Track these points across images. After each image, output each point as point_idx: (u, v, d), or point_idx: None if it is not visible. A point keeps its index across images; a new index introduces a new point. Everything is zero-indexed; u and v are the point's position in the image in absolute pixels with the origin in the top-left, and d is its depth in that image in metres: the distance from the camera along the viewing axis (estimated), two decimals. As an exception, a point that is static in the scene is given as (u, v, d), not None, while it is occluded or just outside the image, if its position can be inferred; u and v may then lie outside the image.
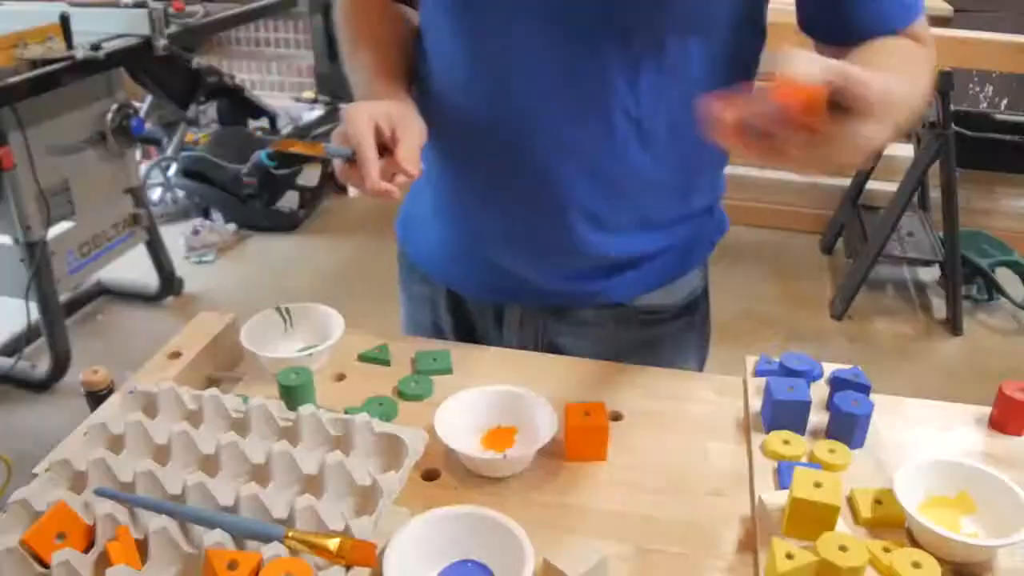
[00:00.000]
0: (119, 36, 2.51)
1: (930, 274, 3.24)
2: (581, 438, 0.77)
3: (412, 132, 0.80)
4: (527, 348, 1.00)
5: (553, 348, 1.00)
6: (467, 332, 1.05)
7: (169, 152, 3.62)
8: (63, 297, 2.60)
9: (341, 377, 0.90)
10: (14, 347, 2.54)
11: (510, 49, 0.82)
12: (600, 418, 0.77)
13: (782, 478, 0.74)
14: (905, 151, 3.20)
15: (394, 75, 0.90)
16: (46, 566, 0.61)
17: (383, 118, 0.79)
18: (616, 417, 0.84)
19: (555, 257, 0.93)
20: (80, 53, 2.28)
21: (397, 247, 1.10)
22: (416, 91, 0.93)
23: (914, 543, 0.67)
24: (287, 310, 0.94)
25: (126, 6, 2.63)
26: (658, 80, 0.82)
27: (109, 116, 2.59)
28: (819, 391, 0.85)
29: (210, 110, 4.03)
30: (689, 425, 0.84)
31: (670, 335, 1.02)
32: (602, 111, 0.83)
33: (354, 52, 0.94)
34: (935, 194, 3.03)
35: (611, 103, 0.82)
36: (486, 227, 0.95)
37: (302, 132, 3.57)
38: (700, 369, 1.07)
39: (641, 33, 0.79)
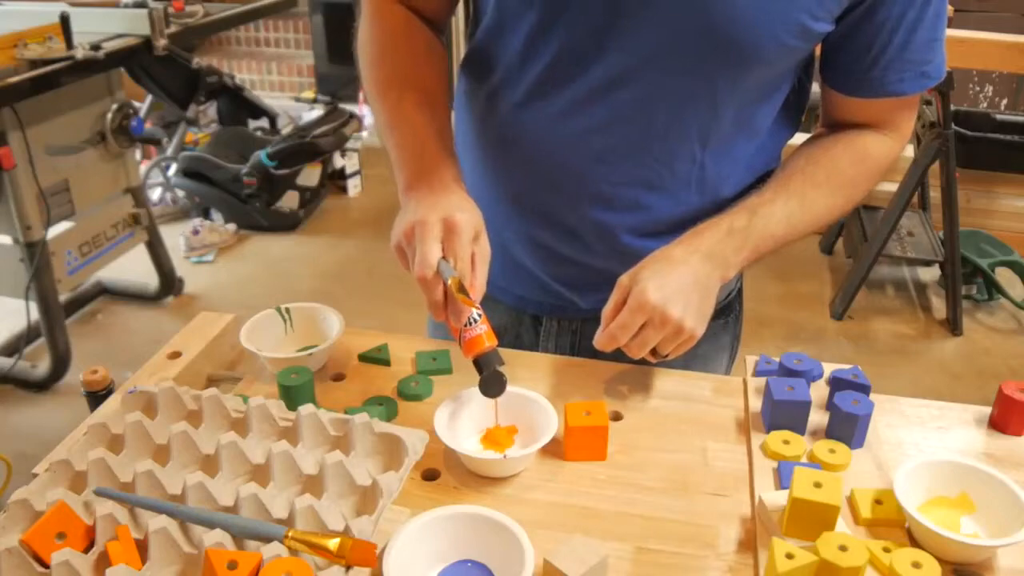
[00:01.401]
0: (119, 36, 2.51)
1: (930, 274, 3.24)
2: (581, 438, 0.77)
3: (486, 252, 0.79)
4: (563, 353, 1.00)
5: (589, 352, 0.99)
6: (499, 334, 1.05)
7: (169, 152, 3.63)
8: (63, 297, 2.61)
9: (341, 377, 0.90)
10: (14, 347, 2.54)
11: (589, 88, 0.83)
12: (600, 418, 0.77)
13: (782, 478, 0.74)
14: (905, 151, 3.20)
15: (450, 154, 0.86)
16: (46, 566, 0.61)
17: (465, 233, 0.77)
18: (616, 417, 0.84)
19: (599, 283, 0.90)
20: (80, 53, 2.28)
21: None
22: (464, 100, 0.94)
23: (914, 543, 0.67)
24: (287, 310, 0.94)
25: (126, 6, 2.64)
26: (729, 134, 0.86)
27: (109, 116, 2.59)
28: (819, 391, 0.86)
29: (210, 110, 4.04)
30: (689, 425, 0.84)
31: (705, 335, 1.02)
32: (670, 152, 0.86)
33: (398, 104, 0.88)
34: (935, 194, 3.03)
35: (680, 149, 0.85)
36: (531, 251, 0.97)
37: (302, 132, 3.57)
38: (730, 367, 1.08)
39: (728, 97, 0.83)
